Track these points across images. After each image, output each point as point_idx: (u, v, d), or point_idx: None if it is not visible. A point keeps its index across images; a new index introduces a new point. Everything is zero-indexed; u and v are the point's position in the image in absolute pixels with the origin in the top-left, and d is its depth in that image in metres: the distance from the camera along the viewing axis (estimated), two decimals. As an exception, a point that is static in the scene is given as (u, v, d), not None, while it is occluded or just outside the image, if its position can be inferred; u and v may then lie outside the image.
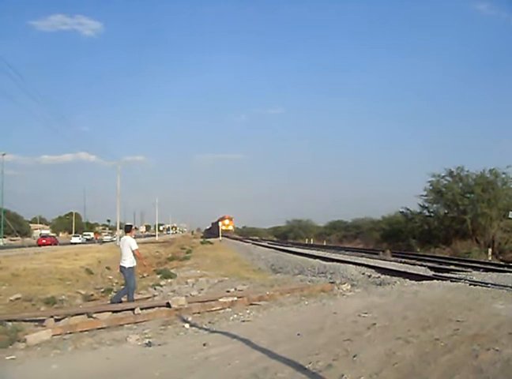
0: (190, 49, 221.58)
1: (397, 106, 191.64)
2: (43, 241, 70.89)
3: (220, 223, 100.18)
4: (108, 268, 31.45)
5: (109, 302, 13.32)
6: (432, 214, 42.52)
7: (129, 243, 13.02)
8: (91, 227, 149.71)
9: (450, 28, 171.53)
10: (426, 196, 42.21)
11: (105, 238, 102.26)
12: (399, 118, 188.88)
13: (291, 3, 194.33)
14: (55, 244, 69.92)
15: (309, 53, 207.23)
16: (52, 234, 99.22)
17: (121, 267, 13.10)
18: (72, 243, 76.32)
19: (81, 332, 9.57)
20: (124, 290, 13.38)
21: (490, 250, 32.27)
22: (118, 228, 75.78)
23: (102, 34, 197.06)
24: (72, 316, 11.34)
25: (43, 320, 10.97)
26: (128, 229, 13.89)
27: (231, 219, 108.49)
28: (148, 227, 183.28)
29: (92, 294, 20.03)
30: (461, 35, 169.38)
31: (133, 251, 12.94)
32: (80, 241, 76.25)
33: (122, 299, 13.05)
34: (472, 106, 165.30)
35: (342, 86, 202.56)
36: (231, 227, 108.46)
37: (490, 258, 30.22)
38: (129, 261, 12.94)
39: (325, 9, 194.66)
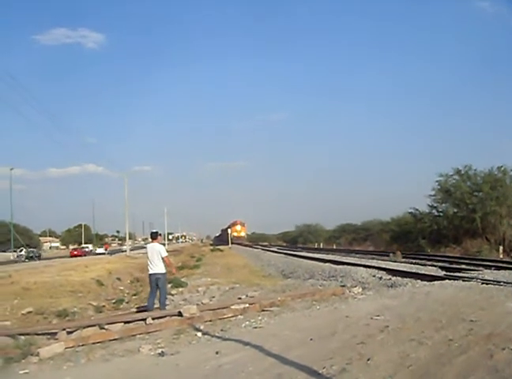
0: (193, 57, 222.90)
1: (402, 107, 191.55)
2: (75, 252, 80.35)
3: (231, 230, 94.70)
4: (119, 278, 31.52)
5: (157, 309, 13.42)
6: (441, 213, 42.44)
7: (158, 250, 13.24)
8: (100, 238, 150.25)
9: (455, 28, 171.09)
10: (434, 195, 42.25)
11: (98, 250, 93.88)
12: (405, 118, 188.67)
13: (292, 6, 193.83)
14: (84, 255, 76.82)
15: (311, 56, 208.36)
16: (86, 246, 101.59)
17: (153, 274, 13.22)
18: (97, 254, 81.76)
19: (94, 343, 9.54)
20: (164, 296, 13.50)
21: (501, 248, 32.09)
22: (127, 238, 75.97)
23: (105, 46, 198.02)
24: (84, 328, 11.33)
25: (55, 333, 10.96)
26: (154, 236, 13.92)
27: (243, 224, 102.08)
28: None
29: (104, 306, 20.07)
30: (466, 34, 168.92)
31: (162, 258, 13.16)
32: (105, 252, 76.60)
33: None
34: (477, 105, 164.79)
35: (347, 88, 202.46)
36: (243, 234, 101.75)
37: (501, 256, 30.06)
38: (162, 267, 13.22)
39: (326, 11, 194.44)
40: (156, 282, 13.20)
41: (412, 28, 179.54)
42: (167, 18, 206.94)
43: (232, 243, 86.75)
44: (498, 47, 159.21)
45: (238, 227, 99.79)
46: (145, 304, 14.18)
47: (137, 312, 14.07)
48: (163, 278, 13.28)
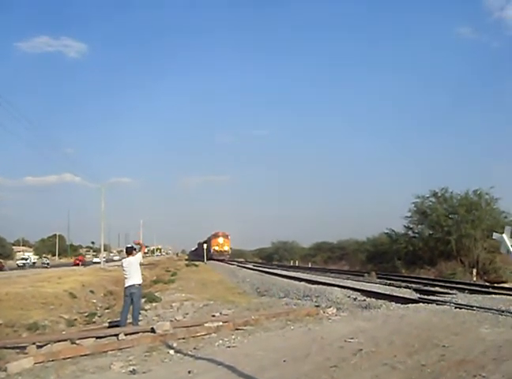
0: (175, 69, 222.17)
1: (381, 128, 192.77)
2: (77, 261, 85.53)
3: (211, 242, 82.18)
4: (92, 291, 31.17)
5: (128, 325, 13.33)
6: (417, 235, 42.87)
7: (136, 259, 13.59)
8: (75, 249, 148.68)
9: (437, 49, 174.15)
10: (410, 217, 42.60)
11: (95, 259, 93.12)
12: (384, 139, 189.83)
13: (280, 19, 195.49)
14: (83, 264, 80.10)
15: (296, 72, 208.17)
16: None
17: (130, 287, 13.29)
18: (94, 263, 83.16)
19: (64, 359, 9.38)
20: (137, 309, 13.53)
21: (474, 271, 32.41)
22: (102, 250, 75.29)
23: (87, 55, 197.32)
24: (54, 342, 11.14)
25: (24, 347, 10.78)
26: (129, 250, 14.06)
27: (226, 236, 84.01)
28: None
29: (76, 319, 19.85)
30: (447, 56, 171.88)
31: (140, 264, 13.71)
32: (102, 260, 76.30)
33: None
34: (457, 127, 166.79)
35: (327, 107, 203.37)
36: (226, 248, 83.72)
37: (475, 279, 30.36)
38: (139, 278, 13.44)
39: (313, 25, 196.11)
40: (131, 295, 13.19)
41: (395, 48, 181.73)
42: (151, 30, 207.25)
43: (212, 259, 76.52)
44: (484, 70, 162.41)
45: (220, 240, 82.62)
46: (118, 318, 14.07)
47: (109, 327, 13.95)
48: (138, 292, 13.35)
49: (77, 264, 78.76)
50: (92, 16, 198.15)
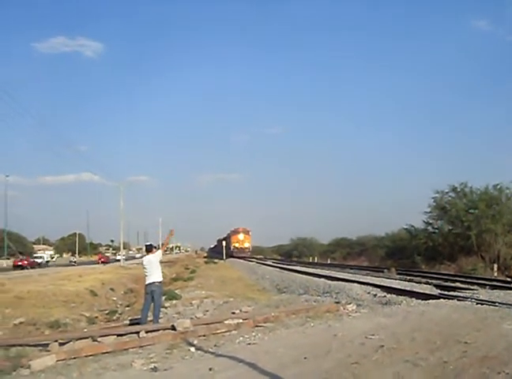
0: (191, 67, 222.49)
1: (400, 123, 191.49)
2: (102, 259, 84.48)
3: (230, 239, 78.18)
4: (112, 289, 31.38)
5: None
6: (436, 230, 42.53)
7: (155, 259, 13.57)
8: (94, 247, 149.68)
9: (453, 42, 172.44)
10: (430, 212, 42.36)
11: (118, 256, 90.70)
12: (404, 133, 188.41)
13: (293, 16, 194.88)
14: (108, 262, 79.51)
15: (311, 70, 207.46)
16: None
17: (151, 284, 13.29)
18: (117, 260, 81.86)
19: (86, 356, 9.46)
20: (158, 309, 13.53)
21: (495, 266, 32.05)
22: (122, 248, 75.79)
23: (103, 55, 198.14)
24: (76, 340, 11.23)
25: (47, 345, 10.86)
26: (149, 248, 14.08)
27: (247, 232, 78.67)
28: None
29: (97, 317, 19.98)
30: (463, 50, 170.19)
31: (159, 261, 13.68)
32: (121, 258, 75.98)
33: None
34: (475, 122, 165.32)
35: (346, 102, 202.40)
36: (247, 244, 78.38)
37: (495, 274, 30.03)
38: (159, 275, 13.45)
39: (326, 22, 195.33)
40: (151, 293, 13.22)
41: (410, 44, 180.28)
42: (166, 28, 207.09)
43: (233, 256, 73.79)
44: (496, 64, 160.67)
45: (240, 236, 77.74)
46: (139, 316, 14.14)
47: (130, 324, 14.01)
48: (158, 289, 13.33)
49: (102, 262, 78.51)
50: (108, 16, 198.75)
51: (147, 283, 13.43)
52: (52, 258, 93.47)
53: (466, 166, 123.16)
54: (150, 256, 13.61)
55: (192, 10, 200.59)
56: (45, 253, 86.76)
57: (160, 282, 13.40)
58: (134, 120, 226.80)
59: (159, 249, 14.50)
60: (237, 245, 76.59)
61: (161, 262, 14.00)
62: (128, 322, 15.02)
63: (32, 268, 62.39)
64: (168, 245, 17.41)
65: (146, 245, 14.64)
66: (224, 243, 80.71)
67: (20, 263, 65.93)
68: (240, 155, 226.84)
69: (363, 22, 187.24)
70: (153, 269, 13.37)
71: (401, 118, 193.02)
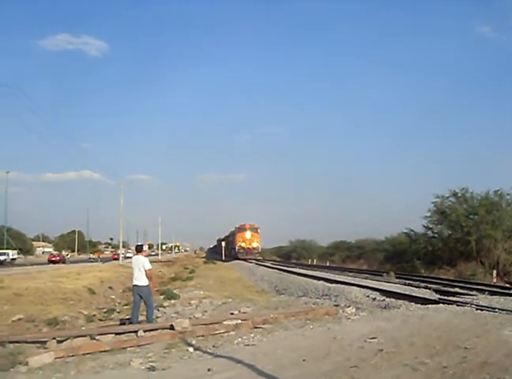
0: (194, 66, 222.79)
1: (400, 127, 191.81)
2: (115, 256, 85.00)
3: (235, 238, 66.11)
4: (111, 287, 31.36)
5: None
6: (436, 235, 42.53)
7: (142, 263, 13.20)
8: (93, 245, 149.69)
9: (453, 47, 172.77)
10: (430, 217, 42.30)
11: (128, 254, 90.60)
12: (403, 137, 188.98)
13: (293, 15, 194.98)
14: (118, 259, 75.52)
15: (312, 70, 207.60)
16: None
17: (137, 286, 13.20)
18: (127, 258, 79.64)
19: (84, 354, 9.45)
20: (150, 309, 13.35)
21: (495, 272, 32.01)
22: (121, 246, 75.76)
23: (107, 53, 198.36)
24: (74, 338, 11.19)
25: (45, 342, 10.85)
26: (139, 248, 14.03)
27: (255, 230, 65.70)
28: (150, 246, 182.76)
29: (95, 315, 19.88)
30: (464, 54, 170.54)
31: (145, 271, 13.10)
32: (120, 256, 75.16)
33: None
34: (477, 126, 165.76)
35: (346, 104, 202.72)
36: (256, 244, 65.11)
37: (495, 280, 30.00)
38: (144, 279, 13.16)
39: (319, 24, 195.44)
40: (138, 294, 13.17)
41: (411, 45, 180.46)
42: (170, 27, 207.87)
43: (238, 258, 63.38)
44: (501, 66, 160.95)
45: (247, 234, 64.53)
46: (130, 317, 14.10)
47: (120, 325, 13.95)
48: (145, 290, 13.18)
49: (116, 259, 77.98)
50: (113, 15, 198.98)
51: (133, 284, 13.37)
52: (19, 255, 79.40)
53: (467, 170, 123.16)
54: (139, 256, 13.57)
55: (193, 11, 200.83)
56: (9, 251, 72.23)
57: (145, 285, 13.17)
58: (137, 119, 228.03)
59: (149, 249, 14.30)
60: (243, 245, 64.20)
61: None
62: (118, 322, 15.01)
63: None
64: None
65: (137, 245, 14.64)
66: (223, 244, 77.79)
67: None
68: (242, 155, 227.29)
69: (364, 21, 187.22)
70: (139, 272, 13.18)
71: (401, 120, 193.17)
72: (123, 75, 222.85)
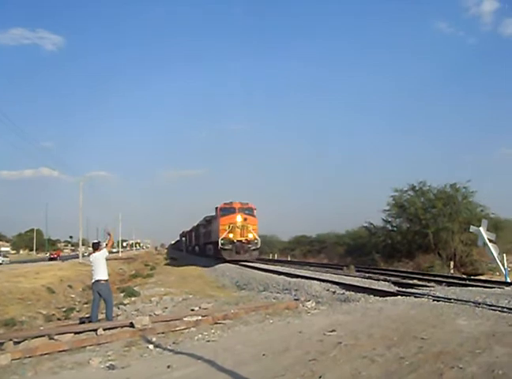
0: (152, 61, 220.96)
1: (360, 123, 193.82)
2: (56, 254, 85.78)
3: (218, 223, 38.96)
4: (70, 286, 30.95)
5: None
6: (395, 228, 43.02)
7: (102, 256, 13.44)
8: (53, 243, 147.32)
9: (408, 44, 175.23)
10: (389, 210, 42.73)
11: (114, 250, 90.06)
12: (363, 133, 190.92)
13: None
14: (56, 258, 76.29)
15: (268, 65, 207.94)
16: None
17: (97, 282, 13.22)
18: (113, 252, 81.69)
19: (42, 355, 9.30)
20: (109, 306, 13.37)
21: (452, 263, 32.70)
22: (80, 244, 74.72)
23: (63, 48, 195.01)
24: (32, 338, 11.03)
25: (1, 344, 10.67)
26: (96, 246, 13.99)
27: (250, 211, 40.03)
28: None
29: (54, 314, 19.67)
30: (420, 51, 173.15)
31: (105, 260, 13.53)
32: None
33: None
34: (433, 123, 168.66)
35: (310, 101, 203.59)
36: (251, 236, 38.63)
37: (452, 271, 30.66)
38: (105, 273, 13.31)
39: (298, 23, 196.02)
40: (98, 292, 13.14)
41: (365, 43, 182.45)
42: (127, 22, 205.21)
43: (220, 258, 39.15)
44: (457, 64, 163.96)
45: (238, 218, 38.34)
46: (89, 315, 14.00)
47: (79, 323, 13.84)
48: (105, 287, 13.24)
49: (54, 258, 76.74)
50: (69, 8, 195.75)
51: (93, 280, 13.40)
52: None
53: (425, 166, 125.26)
54: (97, 253, 13.59)
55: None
56: None
57: (105, 280, 13.33)
58: (95, 115, 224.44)
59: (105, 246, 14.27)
60: (231, 236, 38.16)
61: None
62: (78, 321, 14.87)
63: None
64: (113, 243, 17.00)
65: (93, 243, 14.55)
66: (184, 239, 72.15)
67: None
68: (201, 151, 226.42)
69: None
70: (99, 267, 13.27)
71: (363, 119, 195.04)
72: (80, 71, 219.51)
